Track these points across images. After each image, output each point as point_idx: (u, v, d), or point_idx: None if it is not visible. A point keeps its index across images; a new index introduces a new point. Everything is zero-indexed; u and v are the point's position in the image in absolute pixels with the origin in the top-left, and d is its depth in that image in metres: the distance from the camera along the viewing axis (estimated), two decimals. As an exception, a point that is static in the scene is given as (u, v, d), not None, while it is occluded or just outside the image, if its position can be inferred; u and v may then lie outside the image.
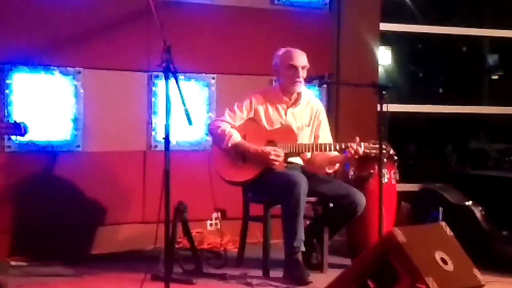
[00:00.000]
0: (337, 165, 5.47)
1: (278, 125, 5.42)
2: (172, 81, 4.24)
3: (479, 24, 7.83)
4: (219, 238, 5.90)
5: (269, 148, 5.28)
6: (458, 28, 7.63)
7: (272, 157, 5.25)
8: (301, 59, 5.37)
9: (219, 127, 5.35)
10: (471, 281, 4.16)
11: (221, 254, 5.63)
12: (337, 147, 5.29)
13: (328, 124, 5.62)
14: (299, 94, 5.46)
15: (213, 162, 5.40)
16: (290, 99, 5.47)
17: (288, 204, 5.11)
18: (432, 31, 7.58)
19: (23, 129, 4.44)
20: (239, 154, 5.32)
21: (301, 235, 5.12)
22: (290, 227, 5.12)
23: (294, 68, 5.35)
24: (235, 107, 5.40)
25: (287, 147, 5.32)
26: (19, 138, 5.51)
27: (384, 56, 7.90)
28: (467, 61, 8.59)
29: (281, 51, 5.45)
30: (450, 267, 4.05)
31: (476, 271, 4.21)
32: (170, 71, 4.25)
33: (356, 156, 5.26)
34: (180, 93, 4.22)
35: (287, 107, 5.46)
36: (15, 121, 4.51)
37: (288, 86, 5.41)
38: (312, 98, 5.67)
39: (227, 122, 5.36)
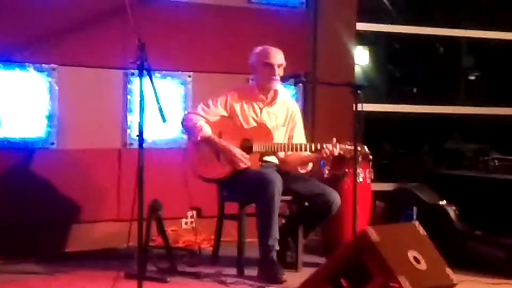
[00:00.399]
0: (310, 165, 5.47)
1: (253, 123, 5.41)
2: (146, 78, 4.23)
3: (456, 25, 7.86)
4: (194, 236, 5.88)
5: (236, 150, 5.26)
6: (435, 29, 7.65)
7: (238, 156, 5.24)
8: (277, 56, 5.37)
9: (191, 120, 5.34)
10: (444, 280, 4.18)
11: (195, 252, 5.64)
12: (313, 148, 5.30)
13: (302, 127, 5.62)
14: (275, 93, 5.46)
15: (187, 158, 5.39)
16: (266, 98, 5.46)
17: (263, 203, 5.11)
18: (408, 31, 7.60)
19: None
20: (212, 150, 5.31)
21: (276, 233, 5.12)
22: (265, 226, 5.11)
23: (270, 66, 5.35)
24: (210, 102, 5.39)
25: (262, 146, 5.32)
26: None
27: (361, 56, 7.90)
28: (443, 62, 8.61)
29: (258, 49, 5.45)
30: (423, 266, 4.06)
31: (448, 270, 4.23)
32: (144, 69, 4.23)
33: (331, 157, 5.27)
34: (154, 91, 4.20)
35: (263, 106, 5.46)
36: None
37: (265, 83, 5.41)
38: (288, 99, 5.68)
39: (200, 116, 5.35)
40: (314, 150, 5.29)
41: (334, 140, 5.23)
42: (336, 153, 5.22)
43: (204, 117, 5.34)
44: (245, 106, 5.43)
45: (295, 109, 5.60)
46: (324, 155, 5.24)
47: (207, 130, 5.30)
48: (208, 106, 5.37)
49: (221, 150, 5.28)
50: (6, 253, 5.48)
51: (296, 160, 5.45)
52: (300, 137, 5.55)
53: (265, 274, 5.07)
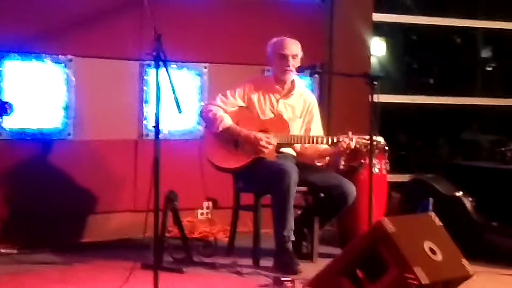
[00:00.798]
0: (327, 158, 5.47)
1: (270, 114, 5.40)
2: (162, 69, 4.23)
3: (473, 16, 7.82)
4: (210, 227, 5.89)
5: (260, 135, 5.27)
6: (452, 19, 7.62)
7: (262, 143, 5.24)
8: (292, 47, 5.36)
9: (211, 110, 5.33)
10: (460, 271, 4.16)
11: (211, 243, 5.64)
12: (329, 141, 5.29)
13: (320, 119, 5.61)
14: (292, 84, 5.45)
15: (205, 148, 5.39)
16: (283, 89, 5.46)
17: (278, 194, 5.11)
18: (425, 22, 7.57)
19: (8, 108, 4.41)
20: (230, 140, 5.31)
21: (291, 224, 5.12)
22: (280, 216, 5.11)
23: (284, 56, 5.34)
24: (228, 93, 5.38)
25: (279, 137, 5.31)
26: (7, 122, 5.46)
27: (378, 47, 7.87)
28: (460, 53, 8.56)
29: (273, 40, 5.44)
30: (438, 257, 4.05)
31: (464, 262, 4.21)
32: (160, 60, 4.23)
33: (347, 151, 5.26)
34: (170, 82, 4.20)
35: (280, 97, 5.45)
36: (0, 100, 4.46)
37: (280, 75, 5.41)
38: (305, 91, 5.66)
39: (219, 107, 5.35)
40: (331, 143, 5.28)
41: (350, 133, 5.23)
42: (352, 146, 5.22)
43: (223, 108, 5.34)
44: (262, 97, 5.42)
45: (313, 101, 5.59)
46: (341, 148, 5.24)
47: (227, 120, 5.30)
48: (226, 97, 5.37)
49: (243, 139, 5.27)
50: (23, 243, 5.53)
51: (313, 154, 5.45)
52: (317, 129, 5.54)
53: (280, 265, 5.07)
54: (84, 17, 5.90)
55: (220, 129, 5.28)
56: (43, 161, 5.82)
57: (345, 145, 5.21)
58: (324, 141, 5.29)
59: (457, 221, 5.28)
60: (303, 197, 5.57)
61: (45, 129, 5.84)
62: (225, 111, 5.34)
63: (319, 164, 5.49)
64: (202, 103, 6.23)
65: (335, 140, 5.26)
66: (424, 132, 8.27)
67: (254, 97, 5.40)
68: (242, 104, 5.39)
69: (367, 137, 5.11)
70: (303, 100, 5.52)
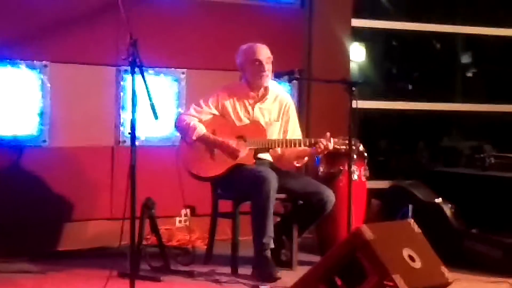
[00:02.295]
0: (306, 158, 5.45)
1: (245, 121, 5.38)
2: (138, 75, 4.19)
3: (453, 21, 7.83)
4: (188, 235, 5.84)
5: (231, 142, 5.23)
6: (432, 25, 7.61)
7: (234, 146, 5.21)
8: (263, 52, 5.35)
9: (184, 120, 5.31)
10: (439, 279, 4.15)
11: (189, 251, 5.59)
12: (307, 143, 5.26)
13: (297, 119, 5.60)
14: (266, 89, 5.44)
15: (181, 157, 5.35)
16: (257, 95, 5.43)
17: (258, 201, 5.08)
18: (405, 28, 7.57)
19: None
20: (206, 149, 5.28)
21: (271, 231, 5.09)
22: (260, 224, 5.08)
23: (259, 62, 5.33)
24: (201, 102, 5.36)
25: (256, 143, 5.28)
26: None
27: (357, 53, 7.86)
28: (440, 58, 8.57)
29: (243, 48, 5.42)
30: (417, 264, 4.03)
31: (444, 269, 4.19)
32: (136, 66, 4.20)
33: (325, 152, 5.23)
34: (146, 87, 4.18)
35: (254, 103, 5.42)
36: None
37: (255, 80, 5.38)
38: (280, 93, 5.63)
39: (193, 116, 5.31)
40: (309, 145, 5.26)
41: (328, 134, 5.21)
42: (330, 147, 5.20)
43: (197, 117, 5.31)
44: (237, 104, 5.39)
45: (288, 101, 5.57)
46: (319, 149, 5.21)
47: (201, 129, 5.27)
48: (200, 106, 5.34)
49: (217, 146, 5.25)
50: (-2, 252, 5.46)
51: (291, 154, 5.43)
52: (295, 130, 5.53)
53: (259, 272, 5.04)
54: (60, 22, 5.84)
55: (194, 138, 5.24)
56: (18, 168, 5.74)
57: (322, 146, 5.18)
58: (302, 144, 5.26)
59: (436, 228, 5.26)
60: (282, 204, 5.54)
61: (20, 136, 5.77)
62: (200, 120, 5.31)
63: (298, 165, 5.48)
64: (180, 110, 6.19)
65: (312, 142, 5.23)
66: (403, 138, 8.27)
67: (228, 104, 5.37)
68: (216, 112, 5.36)
69: (345, 138, 5.10)
70: (279, 102, 5.50)
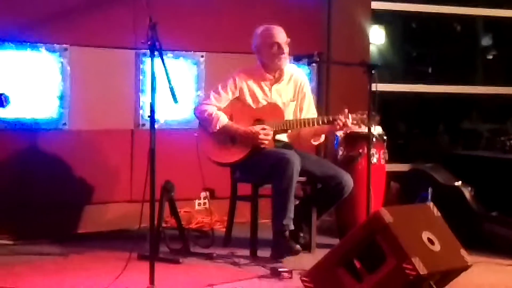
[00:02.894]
0: (323, 136, 5.45)
1: (263, 103, 5.37)
2: (158, 58, 4.19)
3: (473, 3, 7.77)
4: (207, 217, 5.86)
5: (257, 127, 5.24)
6: (452, 7, 7.57)
7: (261, 136, 5.21)
8: (281, 35, 5.34)
9: (206, 110, 5.30)
10: (458, 262, 4.12)
11: (208, 233, 5.61)
12: (325, 120, 5.25)
13: (311, 96, 5.60)
14: (282, 70, 5.41)
15: (201, 144, 5.35)
16: (274, 76, 5.42)
17: (281, 182, 5.08)
18: (424, 10, 7.52)
19: (4, 101, 4.36)
20: (227, 136, 5.27)
21: (291, 213, 5.10)
22: (281, 205, 5.09)
23: (278, 44, 5.31)
24: (219, 89, 5.34)
25: (275, 125, 5.28)
26: (1, 112, 5.36)
27: (377, 35, 7.82)
28: (460, 41, 8.51)
29: (259, 30, 5.40)
30: (437, 247, 4.01)
31: (463, 252, 4.17)
32: (155, 49, 4.19)
33: (344, 128, 5.21)
34: (166, 71, 4.16)
35: (271, 84, 5.41)
36: (-5, 92, 4.41)
37: (274, 63, 5.36)
38: (294, 71, 5.58)
39: (213, 105, 5.31)
40: (327, 122, 5.25)
41: (346, 110, 5.19)
42: (349, 124, 5.18)
43: (217, 106, 5.31)
44: (254, 86, 5.38)
45: (303, 80, 5.55)
46: (338, 126, 5.20)
47: (223, 118, 5.27)
48: (219, 94, 5.33)
49: (240, 136, 5.24)
50: (19, 234, 5.52)
51: (309, 133, 5.42)
52: (310, 108, 5.53)
53: (278, 250, 5.06)
54: (80, 6, 5.87)
55: (218, 128, 5.24)
56: (39, 151, 5.78)
57: (341, 123, 5.16)
58: (321, 122, 5.25)
59: (456, 211, 5.25)
60: (301, 187, 5.53)
61: (40, 119, 5.80)
62: (219, 109, 5.30)
63: (315, 143, 5.48)
64: (199, 93, 6.19)
65: (331, 119, 5.22)
66: (423, 121, 8.24)
67: (245, 87, 5.36)
68: (233, 97, 5.34)
69: (363, 113, 5.10)
70: (294, 81, 5.48)
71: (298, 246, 5.03)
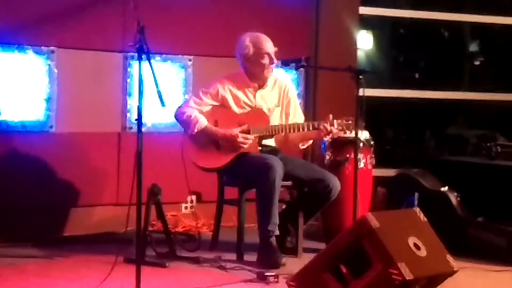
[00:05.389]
0: (311, 141, 5.46)
1: (247, 109, 5.36)
2: (145, 62, 4.18)
3: (461, 9, 7.80)
4: (194, 221, 5.85)
5: (236, 130, 5.23)
6: (439, 13, 7.59)
7: (240, 139, 5.20)
8: (269, 44, 5.32)
9: (185, 112, 5.28)
10: (444, 267, 4.14)
11: (195, 237, 5.61)
12: (310, 127, 5.25)
13: (297, 100, 5.60)
14: (266, 77, 5.41)
15: (186, 150, 5.33)
16: (257, 83, 5.41)
17: (263, 188, 5.08)
18: (412, 16, 7.54)
19: None
20: (211, 141, 5.27)
21: (276, 218, 5.10)
22: (265, 211, 5.09)
23: (268, 55, 5.29)
24: (201, 94, 5.34)
25: (260, 130, 5.27)
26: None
27: (364, 41, 7.84)
28: (448, 46, 8.54)
29: (247, 39, 5.35)
30: (423, 252, 4.02)
31: (449, 257, 4.19)
32: (143, 52, 4.18)
33: (329, 134, 5.22)
34: (153, 74, 4.15)
35: (255, 91, 5.40)
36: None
37: (261, 72, 5.34)
38: (278, 76, 5.57)
39: (193, 108, 5.30)
40: (312, 128, 5.25)
41: (331, 116, 5.19)
42: (334, 131, 5.18)
43: (197, 109, 5.30)
44: (238, 93, 5.37)
45: (287, 85, 5.55)
46: (322, 134, 5.20)
47: (202, 121, 5.25)
48: (200, 98, 5.32)
49: (220, 138, 5.24)
50: (4, 237, 5.48)
51: (296, 137, 5.41)
52: (296, 112, 5.52)
53: (264, 259, 5.05)
54: (67, 8, 5.84)
55: (196, 130, 5.23)
56: (25, 153, 5.75)
57: (326, 130, 5.17)
58: (306, 128, 5.25)
59: (442, 216, 5.27)
60: (288, 192, 5.54)
61: (26, 122, 5.77)
62: (200, 112, 5.29)
63: (302, 147, 5.48)
64: (187, 96, 6.18)
65: (316, 125, 5.22)
66: (410, 127, 8.26)
67: (228, 94, 5.35)
68: (215, 103, 5.34)
69: (348, 119, 5.11)
70: (278, 87, 5.48)
71: (283, 260, 5.01)
